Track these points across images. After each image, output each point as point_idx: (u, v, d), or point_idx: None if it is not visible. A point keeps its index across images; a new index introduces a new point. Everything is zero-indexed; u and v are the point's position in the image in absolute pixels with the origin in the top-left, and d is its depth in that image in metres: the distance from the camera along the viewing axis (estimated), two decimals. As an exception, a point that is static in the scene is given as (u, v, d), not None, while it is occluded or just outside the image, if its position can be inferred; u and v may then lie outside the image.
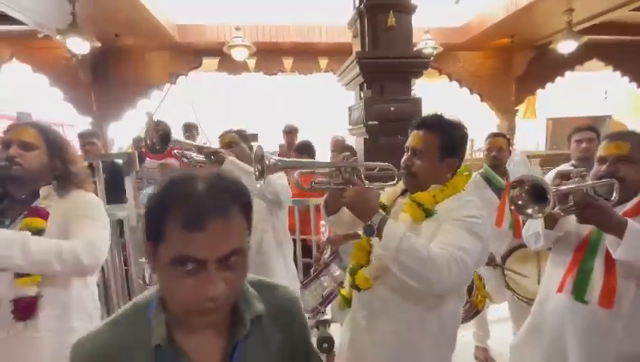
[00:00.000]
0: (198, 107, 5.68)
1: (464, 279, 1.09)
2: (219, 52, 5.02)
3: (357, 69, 2.25)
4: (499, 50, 5.84)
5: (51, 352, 1.17)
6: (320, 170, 1.23)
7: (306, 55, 5.57)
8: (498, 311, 2.58)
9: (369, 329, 1.20)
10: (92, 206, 1.29)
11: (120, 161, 2.38)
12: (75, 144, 4.12)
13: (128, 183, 2.34)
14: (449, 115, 1.24)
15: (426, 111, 2.36)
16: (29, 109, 4.74)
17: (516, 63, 5.92)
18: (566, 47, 4.56)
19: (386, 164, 1.25)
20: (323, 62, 5.65)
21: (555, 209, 1.15)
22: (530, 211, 1.14)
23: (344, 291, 1.33)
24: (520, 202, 1.15)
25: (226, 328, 0.66)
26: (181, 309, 0.59)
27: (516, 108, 6.26)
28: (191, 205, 0.55)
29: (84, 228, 1.20)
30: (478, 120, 6.40)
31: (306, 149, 3.10)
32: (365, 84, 2.31)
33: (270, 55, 5.45)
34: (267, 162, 1.05)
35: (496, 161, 2.29)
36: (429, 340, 1.16)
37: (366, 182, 1.22)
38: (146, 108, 5.58)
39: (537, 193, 1.11)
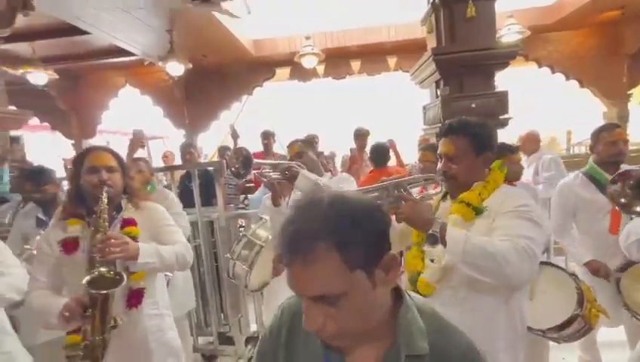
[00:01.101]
0: (272, 115, 6.04)
1: (535, 266, 1.09)
2: (290, 62, 5.28)
3: (432, 66, 2.15)
4: (603, 25, 4.97)
5: (149, 334, 1.43)
6: (372, 194, 1.27)
7: (373, 56, 5.52)
8: (610, 333, 2.17)
9: None
10: (167, 215, 1.57)
11: (211, 169, 2.67)
12: (176, 154, 4.74)
13: (218, 188, 2.61)
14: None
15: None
16: (139, 127, 5.61)
17: (628, 39, 4.96)
18: (702, 11, 3.66)
19: (428, 174, 1.34)
20: (392, 61, 5.53)
21: None
22: None
23: None
24: (623, 200, 1.05)
25: (386, 341, 0.61)
26: None
27: (629, 92, 5.25)
28: (283, 237, 0.55)
29: (174, 234, 1.51)
30: (577, 109, 5.55)
31: (379, 153, 3.04)
32: (442, 81, 2.19)
33: (338, 60, 5.54)
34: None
35: (620, 157, 1.91)
36: (501, 338, 1.16)
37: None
38: (227, 119, 6.17)
39: None
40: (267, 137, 4.15)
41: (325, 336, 0.56)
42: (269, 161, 1.74)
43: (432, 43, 2.31)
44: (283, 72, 5.78)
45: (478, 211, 1.17)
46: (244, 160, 1.53)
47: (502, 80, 2.32)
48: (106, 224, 1.32)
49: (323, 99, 7.49)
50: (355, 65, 5.66)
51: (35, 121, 5.69)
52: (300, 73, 5.67)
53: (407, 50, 5.22)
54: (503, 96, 2.09)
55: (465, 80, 2.12)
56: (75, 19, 3.64)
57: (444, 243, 1.06)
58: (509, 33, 4.28)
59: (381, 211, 0.59)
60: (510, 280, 1.04)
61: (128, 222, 1.42)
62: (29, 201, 2.26)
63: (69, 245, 1.35)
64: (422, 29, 2.56)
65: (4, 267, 1.45)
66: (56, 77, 4.92)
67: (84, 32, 3.93)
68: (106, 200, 1.33)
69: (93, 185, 1.35)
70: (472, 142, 1.21)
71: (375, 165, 3.06)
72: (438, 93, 2.24)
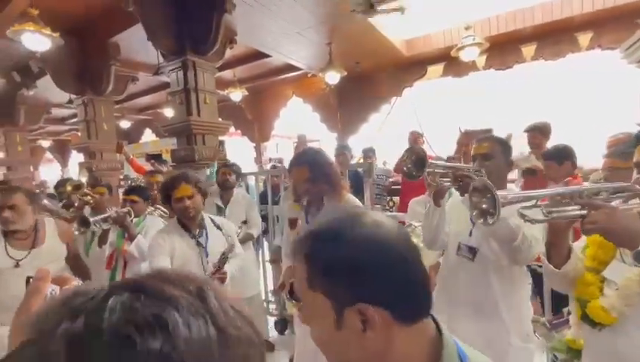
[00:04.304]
0: (422, 115, 5.81)
1: None
2: (444, 57, 4.94)
3: (663, 36, 1.55)
4: None
5: None
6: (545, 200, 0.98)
7: (555, 35, 4.50)
8: None
9: None
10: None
11: (361, 170, 2.81)
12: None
13: (367, 188, 2.72)
14: None
15: None
16: (303, 132, 6.52)
17: None
18: None
19: (622, 184, 0.98)
20: (584, 38, 4.36)
21: None
22: None
23: (569, 338, 1.17)
24: None
25: None
26: None
27: None
28: None
29: None
30: None
31: (558, 156, 2.46)
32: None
33: (505, 47, 4.79)
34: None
35: None
36: None
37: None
38: (375, 122, 6.34)
39: None
40: (415, 138, 4.02)
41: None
42: (448, 163, 1.55)
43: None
44: (436, 69, 5.46)
45: None
46: (418, 161, 1.35)
47: None
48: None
49: (481, 94, 6.63)
50: (528, 50, 4.76)
51: (231, 129, 7.43)
52: (455, 68, 5.22)
53: (608, 22, 4.02)
54: None
55: None
56: (261, 46, 4.54)
57: None
58: None
59: (393, 248, 0.50)
60: None
61: None
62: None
63: (293, 222, 1.91)
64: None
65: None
66: (247, 93, 6.28)
67: (267, 56, 4.86)
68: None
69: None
70: None
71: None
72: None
